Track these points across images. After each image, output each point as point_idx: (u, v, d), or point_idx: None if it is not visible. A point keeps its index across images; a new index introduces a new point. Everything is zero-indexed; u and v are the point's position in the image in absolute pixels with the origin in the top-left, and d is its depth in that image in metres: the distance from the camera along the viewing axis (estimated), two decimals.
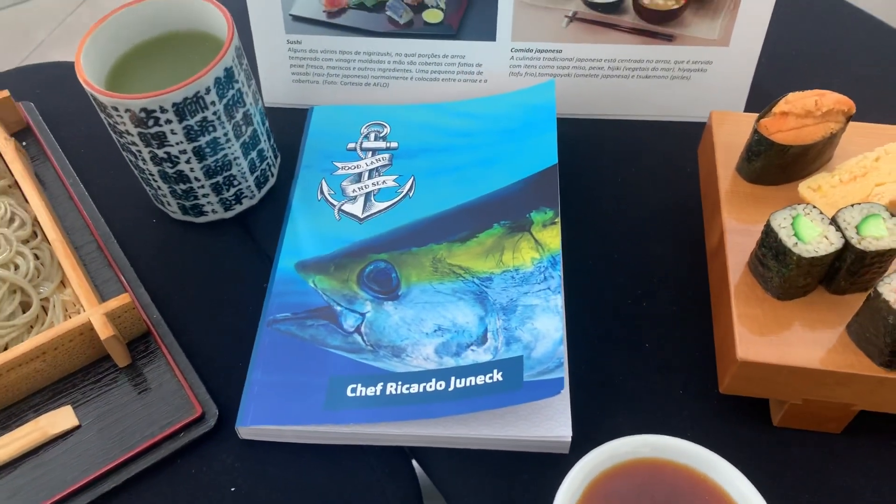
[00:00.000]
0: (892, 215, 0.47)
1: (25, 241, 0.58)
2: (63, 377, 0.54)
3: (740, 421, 0.52)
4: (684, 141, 0.66)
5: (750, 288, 0.50)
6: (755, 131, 0.53)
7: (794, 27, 0.76)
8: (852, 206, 0.48)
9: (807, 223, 0.47)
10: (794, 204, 0.48)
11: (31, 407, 0.53)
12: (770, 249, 0.48)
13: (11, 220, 0.59)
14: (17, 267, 0.56)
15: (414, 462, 0.52)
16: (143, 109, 0.52)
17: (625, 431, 0.45)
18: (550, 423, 0.49)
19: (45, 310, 0.56)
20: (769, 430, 0.51)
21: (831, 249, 0.46)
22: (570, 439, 0.49)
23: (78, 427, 0.52)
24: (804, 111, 0.52)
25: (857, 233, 0.47)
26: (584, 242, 0.61)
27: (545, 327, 0.51)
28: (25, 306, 0.55)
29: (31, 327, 0.55)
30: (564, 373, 0.48)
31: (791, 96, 0.53)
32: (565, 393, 0.50)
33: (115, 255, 0.60)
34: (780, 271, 0.47)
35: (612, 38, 0.64)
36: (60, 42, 1.83)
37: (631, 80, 0.67)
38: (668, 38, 0.64)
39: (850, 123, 0.54)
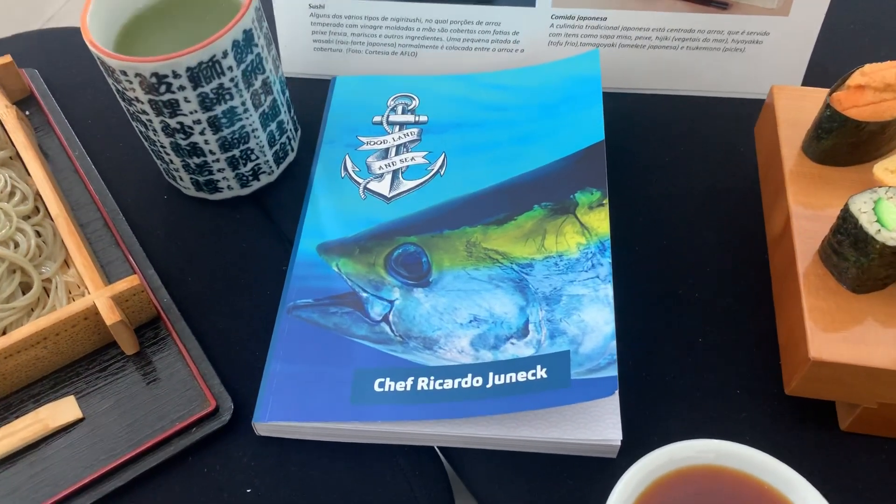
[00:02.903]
0: None
1: (27, 217, 0.55)
2: (66, 365, 0.51)
3: (803, 425, 0.48)
4: (737, 118, 0.62)
5: (821, 279, 0.45)
6: (827, 106, 0.48)
7: None
8: None
9: (890, 208, 0.43)
10: (874, 187, 0.44)
11: (32, 397, 0.50)
12: (848, 236, 0.43)
13: (12, 195, 0.55)
14: (17, 245, 0.52)
15: (439, 452, 0.49)
16: (155, 74, 0.48)
17: (677, 434, 0.42)
18: (598, 424, 0.45)
19: (46, 292, 0.52)
20: (836, 436, 0.47)
21: None
22: (619, 443, 0.45)
23: (81, 419, 0.49)
24: (883, 84, 0.47)
25: None
26: (630, 228, 0.56)
27: (594, 320, 0.47)
28: (26, 287, 0.52)
29: (32, 310, 0.51)
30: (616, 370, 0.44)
31: (868, 68, 0.48)
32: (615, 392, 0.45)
33: (123, 233, 0.56)
34: (859, 261, 0.43)
35: (662, 6, 0.60)
36: (71, 17, 1.79)
37: (681, 51, 0.62)
38: (723, 6, 0.59)
39: None
